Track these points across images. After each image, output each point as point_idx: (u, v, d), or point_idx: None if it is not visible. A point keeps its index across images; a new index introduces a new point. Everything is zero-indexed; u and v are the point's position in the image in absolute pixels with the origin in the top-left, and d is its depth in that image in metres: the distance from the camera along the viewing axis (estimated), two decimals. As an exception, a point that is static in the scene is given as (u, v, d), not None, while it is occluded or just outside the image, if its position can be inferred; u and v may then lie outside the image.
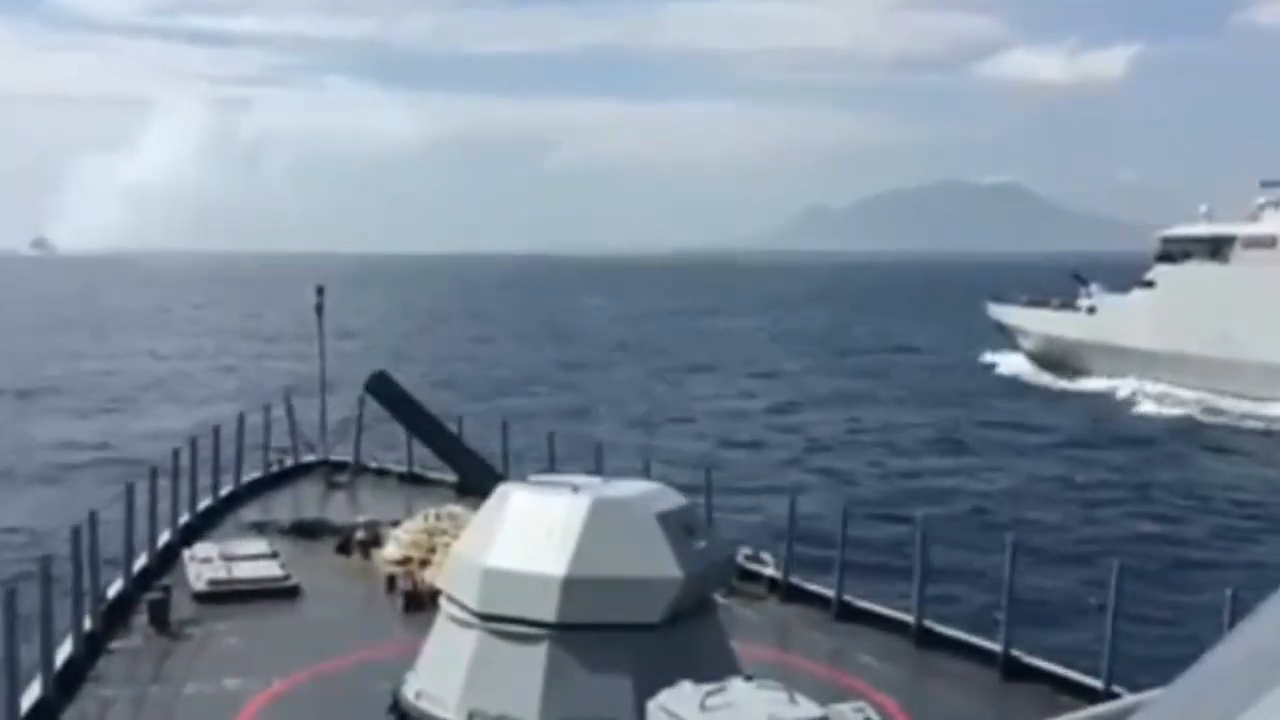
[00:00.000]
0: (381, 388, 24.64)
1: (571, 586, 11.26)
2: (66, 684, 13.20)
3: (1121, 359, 66.00)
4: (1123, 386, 64.41)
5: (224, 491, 22.23)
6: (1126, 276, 73.13)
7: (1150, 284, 68.23)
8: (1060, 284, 77.61)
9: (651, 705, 9.03)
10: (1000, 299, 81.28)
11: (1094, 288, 73.01)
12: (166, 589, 16.00)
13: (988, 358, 79.86)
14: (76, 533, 14.60)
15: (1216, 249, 65.08)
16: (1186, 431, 54.22)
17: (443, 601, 12.41)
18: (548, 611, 11.33)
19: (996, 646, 14.42)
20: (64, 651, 13.73)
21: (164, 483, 18.95)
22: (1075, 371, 69.96)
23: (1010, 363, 76.96)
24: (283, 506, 22.07)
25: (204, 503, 21.21)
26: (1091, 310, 71.46)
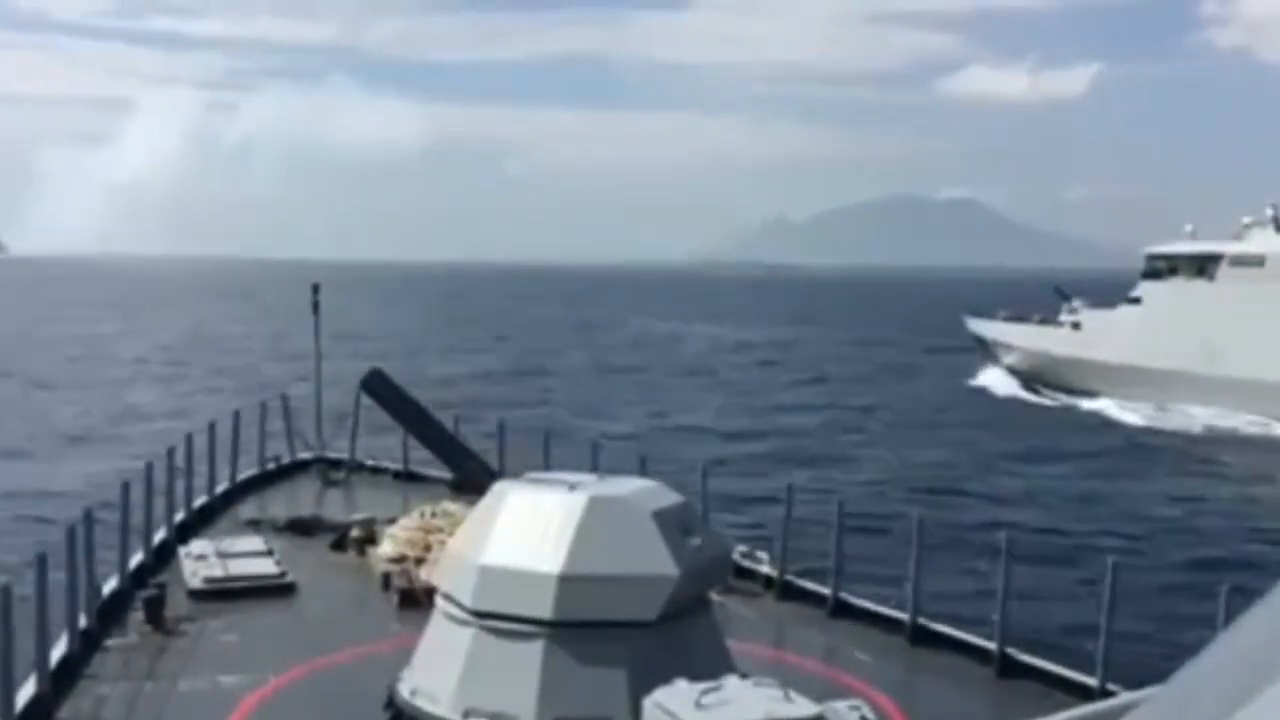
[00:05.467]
0: (378, 385, 24.63)
1: (567, 584, 11.26)
2: (62, 681, 13.17)
3: (1108, 374, 66.19)
4: (1109, 401, 64.65)
5: (220, 489, 22.20)
6: (1087, 293, 73.79)
7: (1137, 300, 68.53)
8: (1013, 299, 77.77)
9: (647, 703, 9.02)
10: (978, 314, 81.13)
11: (1077, 303, 73.19)
12: (162, 586, 15.98)
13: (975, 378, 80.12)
14: (72, 530, 14.59)
15: (1202, 266, 65.37)
16: (1174, 442, 54.53)
17: (438, 599, 12.41)
18: (543, 609, 11.32)
19: (992, 644, 14.44)
20: (59, 648, 13.70)
21: (160, 480, 18.95)
22: (1059, 387, 70.05)
23: (991, 377, 77.19)
24: (278, 503, 22.05)
25: (200, 500, 21.17)
26: (1076, 326, 71.59)
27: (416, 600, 15.44)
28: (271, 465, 24.85)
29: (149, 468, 18.58)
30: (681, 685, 9.00)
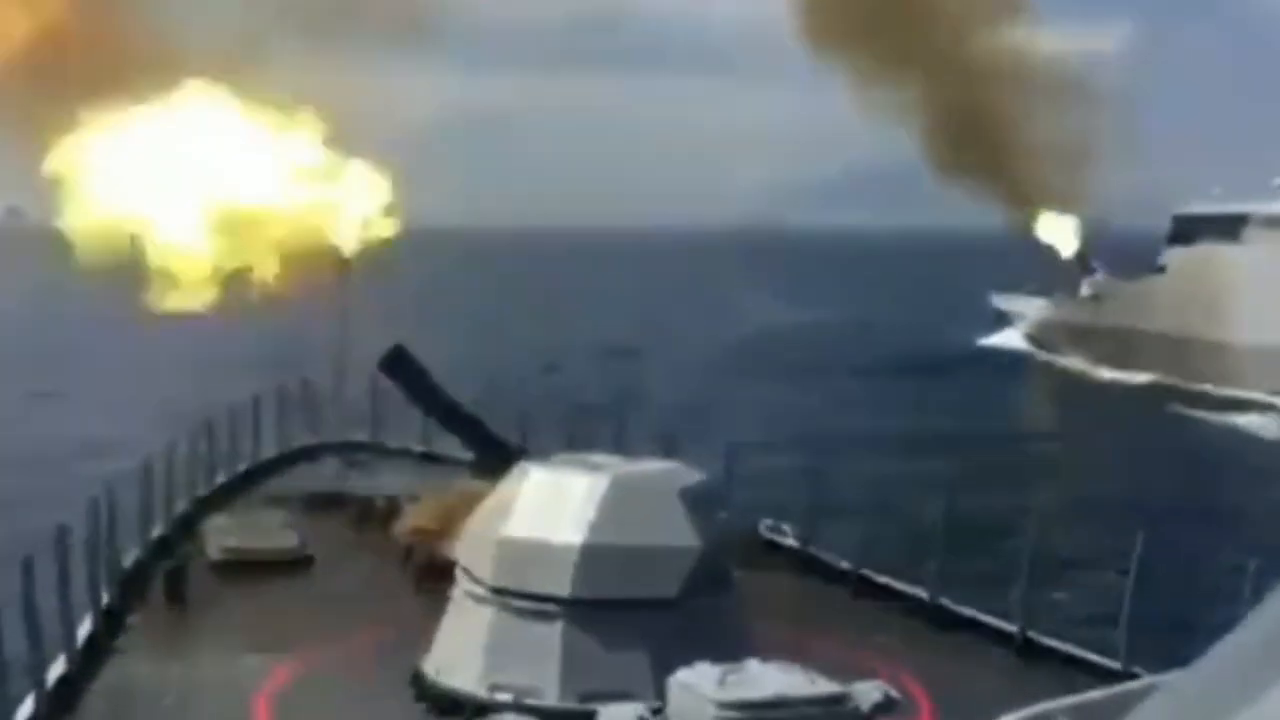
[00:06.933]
0: (397, 364, 24.52)
1: (587, 559, 11.34)
2: (87, 655, 13.27)
3: (1131, 344, 64.81)
4: (1136, 372, 63.72)
5: (240, 468, 22.29)
6: (1113, 251, 72.33)
7: (1161, 269, 67.08)
8: (1031, 263, 76.17)
9: (671, 683, 9.07)
10: (1004, 288, 79.29)
11: (1100, 274, 71.52)
12: (184, 559, 16.11)
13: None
14: (95, 504, 14.73)
15: (1229, 228, 63.47)
16: (1198, 414, 53.87)
17: (459, 575, 12.48)
18: (563, 586, 11.39)
19: (1014, 626, 14.42)
20: (85, 623, 13.81)
21: (181, 460, 19.14)
22: (1084, 360, 68.96)
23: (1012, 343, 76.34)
24: (299, 483, 22.12)
25: (220, 479, 21.29)
26: (1096, 298, 70.49)
27: (439, 576, 15.48)
28: (293, 447, 24.90)
29: (170, 446, 18.73)
30: (704, 666, 9.04)
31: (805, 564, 17.30)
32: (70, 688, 12.50)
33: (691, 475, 12.61)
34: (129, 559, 16.11)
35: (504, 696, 11.37)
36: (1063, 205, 70.49)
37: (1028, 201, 70.41)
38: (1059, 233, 72.73)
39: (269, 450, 24.05)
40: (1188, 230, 66.51)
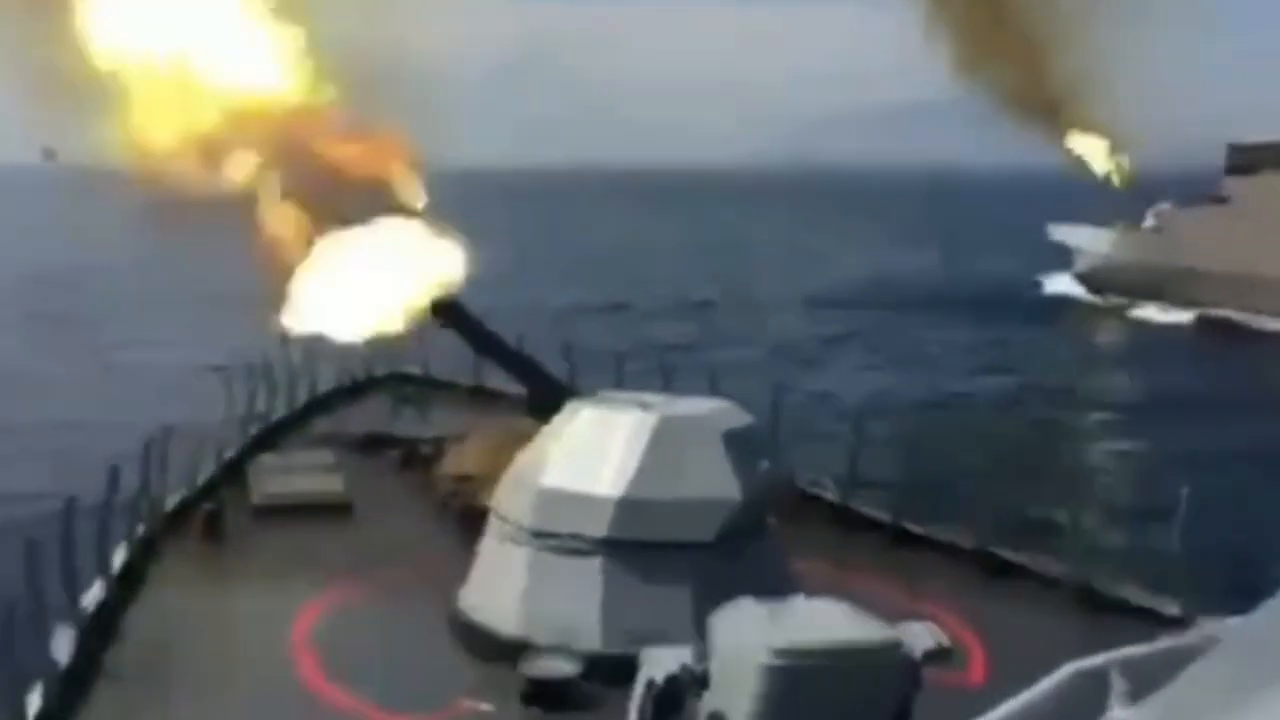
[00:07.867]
0: (445, 306, 24.53)
1: (625, 507, 11.34)
2: (123, 589, 13.40)
3: (1190, 281, 63.11)
4: (1201, 308, 62.17)
5: (298, 403, 22.48)
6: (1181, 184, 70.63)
7: (1223, 199, 65.12)
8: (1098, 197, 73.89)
9: (713, 619, 8.82)
10: (1064, 220, 76.49)
11: (1165, 205, 69.55)
12: (222, 500, 16.24)
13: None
14: (149, 444, 14.85)
15: None
16: (1260, 357, 52.72)
17: (495, 518, 12.44)
18: (599, 529, 11.36)
19: (1065, 573, 14.13)
20: (120, 556, 13.95)
21: (240, 395, 19.44)
22: (1139, 296, 67.34)
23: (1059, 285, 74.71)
24: (352, 419, 22.23)
25: (278, 414, 21.46)
26: (1158, 230, 68.57)
27: (480, 520, 15.44)
28: (349, 381, 25.08)
29: (229, 381, 18.89)
30: (748, 603, 8.75)
31: (846, 516, 16.96)
32: (106, 615, 12.60)
33: (739, 416, 12.44)
34: (175, 500, 16.24)
35: (542, 638, 11.30)
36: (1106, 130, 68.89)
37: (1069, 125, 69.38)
38: (1091, 151, 70.87)
39: (326, 384, 24.24)
40: (1245, 161, 64.74)
